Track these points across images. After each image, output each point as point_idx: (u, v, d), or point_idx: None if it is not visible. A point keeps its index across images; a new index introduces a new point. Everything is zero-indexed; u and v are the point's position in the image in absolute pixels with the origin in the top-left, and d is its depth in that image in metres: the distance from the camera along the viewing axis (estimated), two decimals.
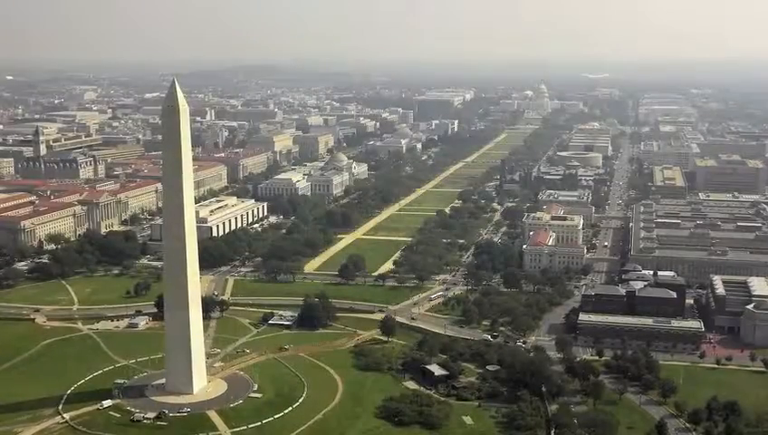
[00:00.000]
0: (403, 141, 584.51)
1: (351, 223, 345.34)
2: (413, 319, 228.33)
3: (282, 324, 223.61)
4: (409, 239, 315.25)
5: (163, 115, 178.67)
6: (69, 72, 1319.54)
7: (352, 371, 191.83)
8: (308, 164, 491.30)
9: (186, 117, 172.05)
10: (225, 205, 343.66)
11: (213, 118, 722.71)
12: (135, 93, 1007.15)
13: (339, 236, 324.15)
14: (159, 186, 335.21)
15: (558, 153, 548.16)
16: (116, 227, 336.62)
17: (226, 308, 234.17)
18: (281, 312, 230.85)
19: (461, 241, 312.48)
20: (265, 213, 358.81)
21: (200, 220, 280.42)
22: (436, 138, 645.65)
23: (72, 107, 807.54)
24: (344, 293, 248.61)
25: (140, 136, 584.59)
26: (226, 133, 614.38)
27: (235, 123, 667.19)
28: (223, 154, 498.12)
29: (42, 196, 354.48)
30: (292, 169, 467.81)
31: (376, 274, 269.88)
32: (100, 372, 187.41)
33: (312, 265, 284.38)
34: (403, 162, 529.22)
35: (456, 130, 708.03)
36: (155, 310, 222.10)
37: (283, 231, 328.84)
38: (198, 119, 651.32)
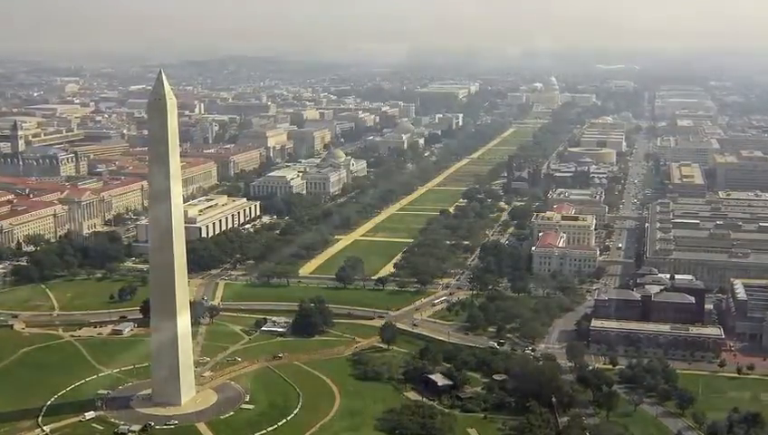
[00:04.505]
0: (404, 137, 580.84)
1: (350, 223, 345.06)
2: (415, 325, 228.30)
3: (275, 331, 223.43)
4: (411, 240, 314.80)
5: (149, 109, 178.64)
6: (49, 63, 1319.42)
7: (350, 380, 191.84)
8: (303, 161, 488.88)
9: (173, 111, 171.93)
10: (216, 204, 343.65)
11: (202, 111, 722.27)
12: (119, 86, 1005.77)
13: (336, 237, 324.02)
14: (145, 184, 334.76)
15: (569, 149, 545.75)
16: (99, 228, 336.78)
17: (217, 314, 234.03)
18: (274, 318, 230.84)
19: (466, 242, 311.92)
20: (258, 212, 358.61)
21: (189, 220, 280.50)
22: (439, 133, 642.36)
23: (52, 100, 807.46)
24: (342, 297, 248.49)
25: (125, 131, 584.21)
26: (216, 128, 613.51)
27: (225, 117, 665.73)
28: (213, 150, 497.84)
29: (20, 194, 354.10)
30: (287, 166, 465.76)
31: (375, 277, 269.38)
32: (82, 381, 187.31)
33: (307, 268, 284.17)
34: (404, 159, 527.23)
35: (460, 124, 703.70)
36: (140, 316, 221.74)
37: (277, 232, 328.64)
38: (187, 112, 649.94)
